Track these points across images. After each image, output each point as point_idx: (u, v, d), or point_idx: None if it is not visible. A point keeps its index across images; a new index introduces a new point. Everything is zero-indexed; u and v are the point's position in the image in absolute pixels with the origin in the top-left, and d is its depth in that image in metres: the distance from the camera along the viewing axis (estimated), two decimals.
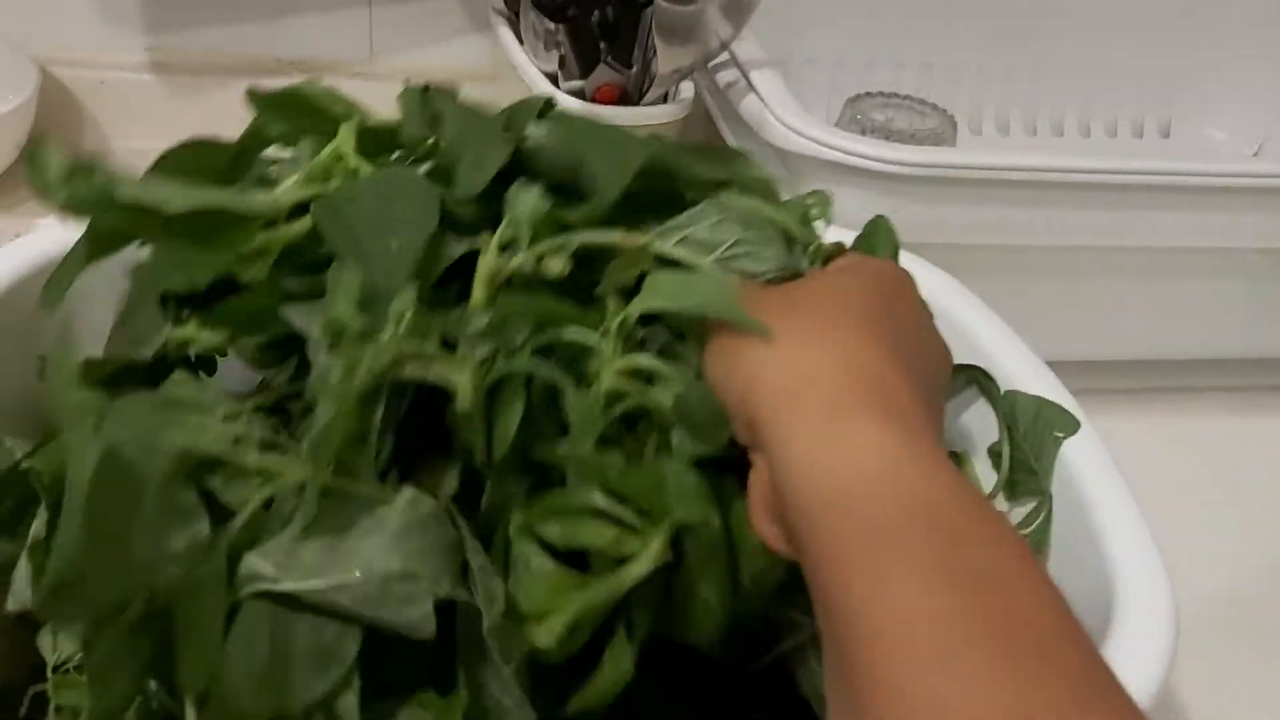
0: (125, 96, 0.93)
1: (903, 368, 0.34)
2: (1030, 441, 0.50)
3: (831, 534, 0.30)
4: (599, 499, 0.35)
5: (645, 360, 0.37)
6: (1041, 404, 0.51)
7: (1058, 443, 0.49)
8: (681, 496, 0.35)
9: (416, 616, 0.33)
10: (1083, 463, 0.49)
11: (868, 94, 0.86)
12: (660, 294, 0.37)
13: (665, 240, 0.39)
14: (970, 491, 0.31)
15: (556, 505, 0.36)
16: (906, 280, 0.42)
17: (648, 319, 0.38)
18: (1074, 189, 0.70)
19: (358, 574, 0.33)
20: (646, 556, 0.34)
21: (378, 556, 0.33)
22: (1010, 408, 0.52)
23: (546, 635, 0.34)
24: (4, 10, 0.88)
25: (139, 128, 0.93)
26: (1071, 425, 0.50)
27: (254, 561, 0.33)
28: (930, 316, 0.42)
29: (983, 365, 0.56)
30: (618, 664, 0.35)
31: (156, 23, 0.92)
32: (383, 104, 0.44)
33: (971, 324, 0.57)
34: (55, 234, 0.52)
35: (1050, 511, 0.49)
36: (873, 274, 0.40)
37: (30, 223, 0.84)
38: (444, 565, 0.34)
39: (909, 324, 0.39)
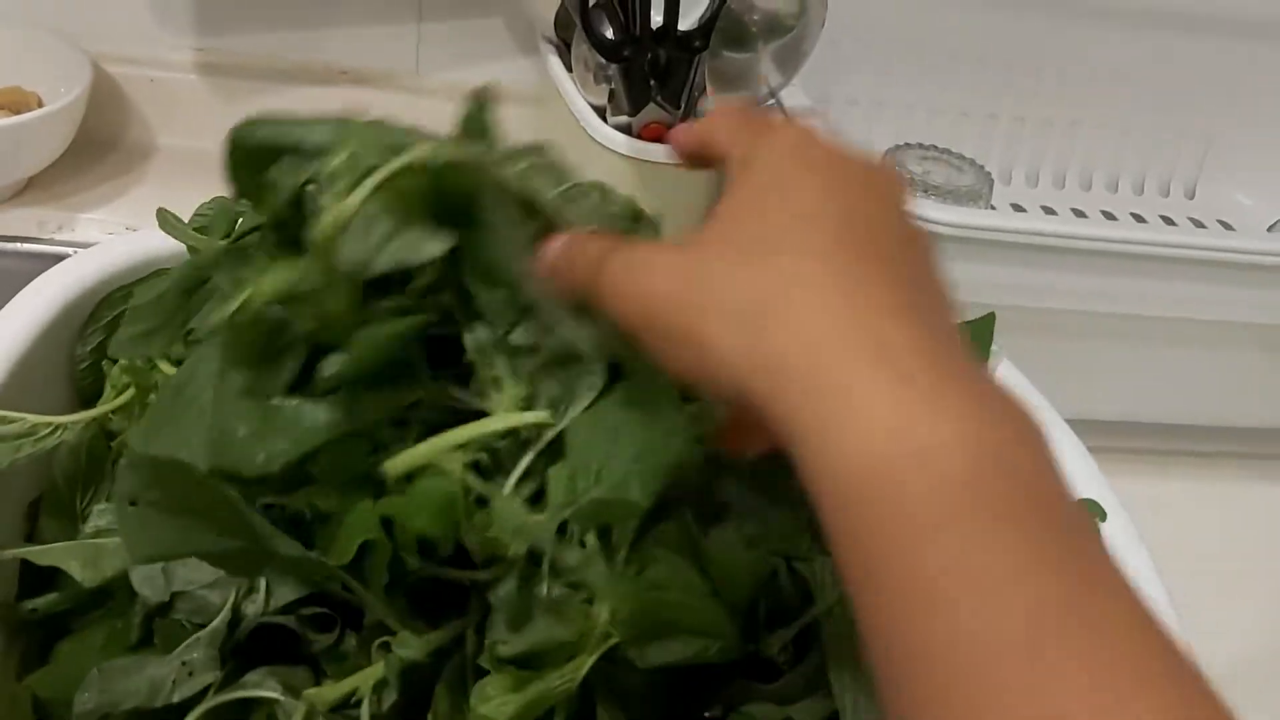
0: (173, 96, 0.94)
1: (893, 307, 0.29)
2: None
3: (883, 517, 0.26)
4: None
5: None
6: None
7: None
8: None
9: None
10: (1108, 533, 0.51)
11: (906, 145, 0.88)
12: None
13: None
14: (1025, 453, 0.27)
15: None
16: (816, 145, 0.34)
17: None
18: (1106, 257, 0.72)
19: None
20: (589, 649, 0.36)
21: None
22: None
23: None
24: (61, 5, 0.90)
25: (185, 127, 0.95)
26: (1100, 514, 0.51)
27: None
28: (865, 168, 0.34)
29: None
30: None
31: (208, 24, 0.94)
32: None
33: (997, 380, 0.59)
34: (116, 250, 0.53)
35: None
36: (784, 169, 0.33)
37: (73, 216, 0.86)
38: None
39: (863, 215, 0.31)
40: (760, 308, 0.29)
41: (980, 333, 0.59)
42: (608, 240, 0.34)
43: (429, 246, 0.34)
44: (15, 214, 0.84)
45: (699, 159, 0.38)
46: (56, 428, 0.46)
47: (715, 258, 0.31)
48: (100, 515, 0.46)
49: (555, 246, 0.35)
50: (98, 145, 0.92)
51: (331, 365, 0.35)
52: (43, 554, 0.44)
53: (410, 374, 0.38)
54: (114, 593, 0.44)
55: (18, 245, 0.82)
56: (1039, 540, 0.25)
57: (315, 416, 0.35)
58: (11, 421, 0.45)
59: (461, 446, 0.36)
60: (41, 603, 0.44)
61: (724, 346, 0.29)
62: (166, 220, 0.52)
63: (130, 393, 0.48)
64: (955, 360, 0.28)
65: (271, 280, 0.34)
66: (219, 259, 0.45)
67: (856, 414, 0.26)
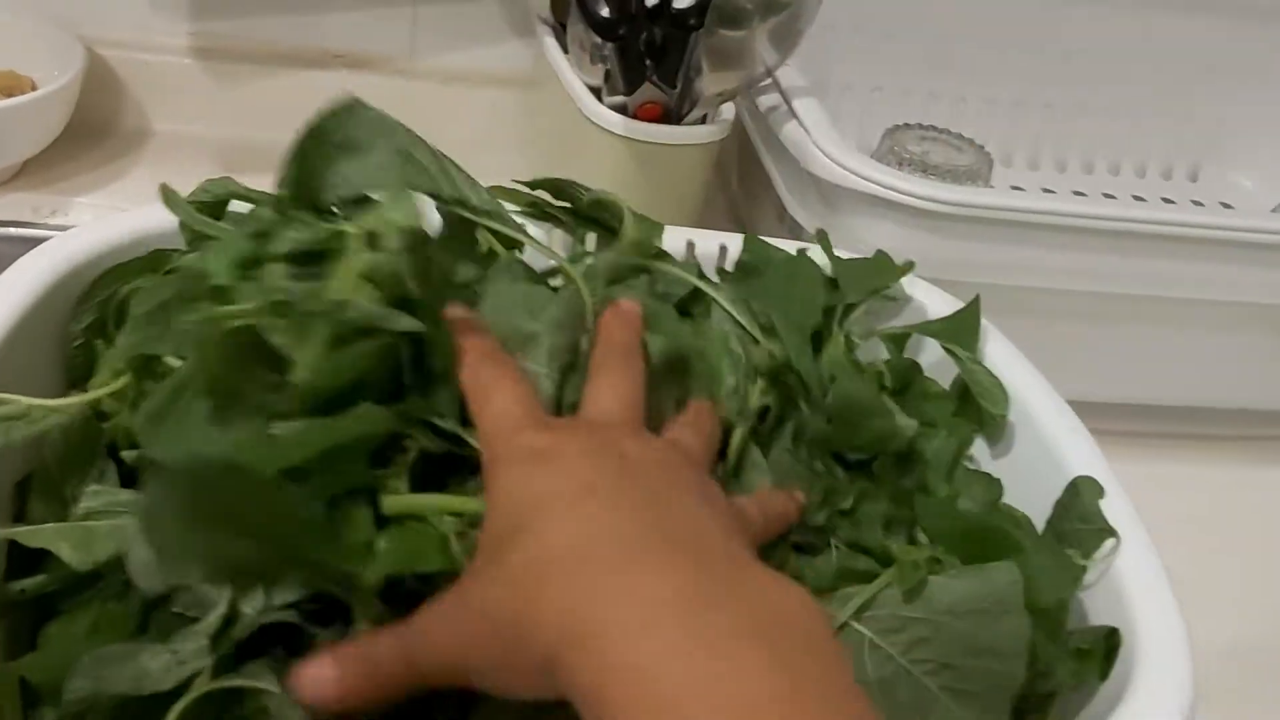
0: (168, 80, 0.93)
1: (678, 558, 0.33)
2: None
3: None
4: None
5: None
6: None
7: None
8: None
9: None
10: (1107, 512, 0.50)
11: (905, 125, 0.87)
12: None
13: None
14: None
15: None
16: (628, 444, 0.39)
17: None
18: (1105, 236, 0.71)
19: None
20: None
21: None
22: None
23: None
24: None
25: (180, 111, 0.94)
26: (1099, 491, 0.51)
27: None
28: (684, 468, 0.39)
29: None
30: None
31: (202, 8, 0.93)
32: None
33: (997, 361, 0.58)
34: (105, 228, 0.53)
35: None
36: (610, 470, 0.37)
37: (67, 200, 0.85)
38: None
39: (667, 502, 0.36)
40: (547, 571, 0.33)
41: (967, 319, 0.59)
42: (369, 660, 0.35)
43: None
44: (9, 198, 0.84)
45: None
46: (50, 411, 0.45)
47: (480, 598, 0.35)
48: (93, 497, 0.45)
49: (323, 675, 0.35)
50: (92, 129, 0.92)
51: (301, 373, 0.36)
52: (32, 535, 0.43)
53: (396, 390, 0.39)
54: (104, 576, 0.44)
55: (11, 230, 0.82)
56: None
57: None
58: (5, 403, 0.45)
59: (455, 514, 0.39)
60: (30, 584, 0.44)
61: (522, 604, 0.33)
62: (172, 199, 0.52)
63: (127, 378, 0.47)
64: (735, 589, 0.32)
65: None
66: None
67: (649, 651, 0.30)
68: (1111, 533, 0.50)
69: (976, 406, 0.57)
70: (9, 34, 0.88)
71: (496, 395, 0.40)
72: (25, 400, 0.45)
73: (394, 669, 0.35)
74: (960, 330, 0.59)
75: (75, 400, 0.46)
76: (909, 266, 0.60)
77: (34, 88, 0.86)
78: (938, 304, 0.61)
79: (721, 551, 0.35)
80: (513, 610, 0.33)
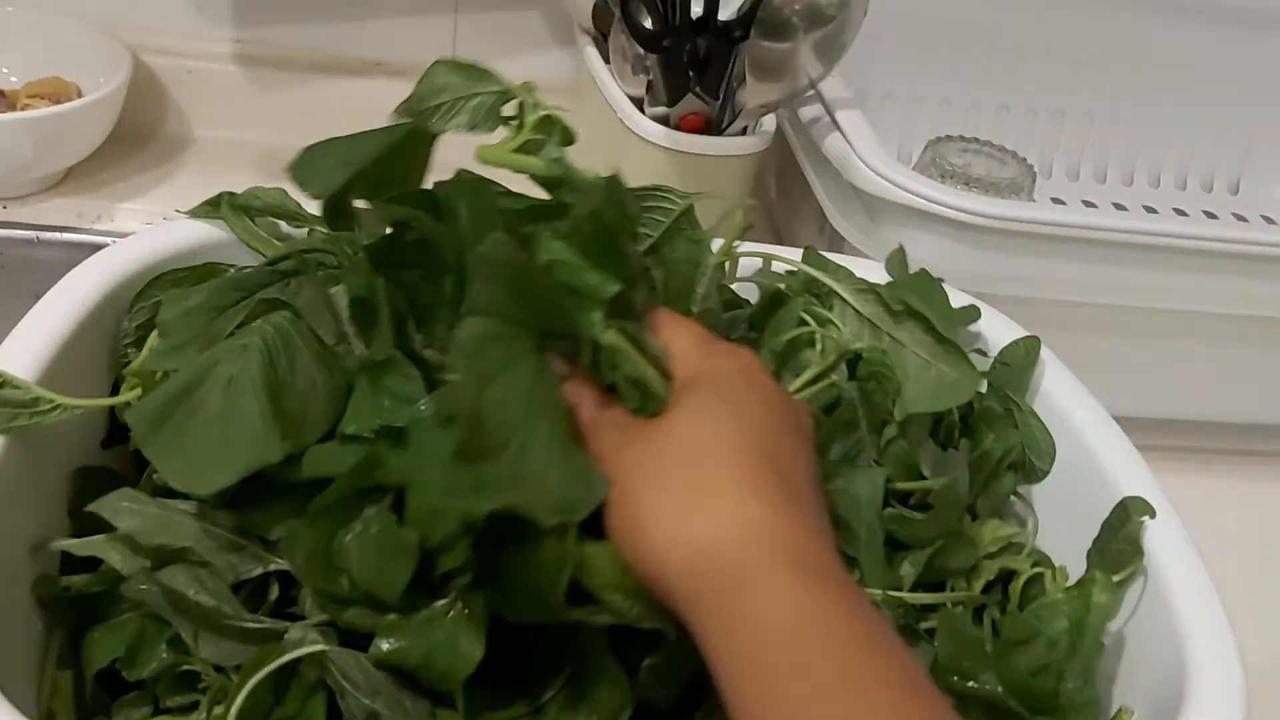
0: (211, 86, 0.94)
1: (793, 511, 0.35)
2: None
3: (765, 692, 0.32)
4: None
5: None
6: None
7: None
8: None
9: None
10: (1160, 538, 0.50)
11: (947, 137, 0.87)
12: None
13: None
14: (878, 627, 0.34)
15: None
16: (755, 377, 0.40)
17: None
18: (1147, 250, 0.71)
19: None
20: None
21: None
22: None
23: None
24: None
25: (222, 118, 0.95)
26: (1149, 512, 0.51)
27: None
28: (786, 404, 0.41)
29: (1057, 427, 0.57)
30: None
31: (245, 16, 0.94)
32: None
33: (1050, 386, 0.58)
34: (145, 242, 0.54)
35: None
36: (726, 394, 0.39)
37: (112, 206, 0.86)
38: None
39: (778, 443, 0.38)
40: (694, 509, 0.35)
41: (1028, 351, 0.59)
42: (603, 398, 0.40)
43: None
44: (55, 204, 0.85)
45: None
46: (57, 405, 0.46)
47: (667, 460, 0.37)
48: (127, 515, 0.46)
49: (588, 417, 0.39)
50: (136, 136, 0.93)
51: None
52: (83, 546, 0.44)
53: None
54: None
55: (58, 234, 0.83)
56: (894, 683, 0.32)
57: None
58: (17, 387, 0.45)
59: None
60: (77, 581, 0.44)
61: (659, 533, 0.35)
62: (233, 208, 0.53)
63: (137, 392, 0.48)
64: (832, 554, 0.36)
65: None
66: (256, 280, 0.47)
67: (769, 597, 0.33)
68: (1140, 553, 0.50)
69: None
70: (55, 41, 0.89)
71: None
72: (36, 389, 0.45)
73: (585, 422, 0.39)
74: (1017, 376, 0.59)
75: (85, 402, 0.46)
76: (974, 314, 0.60)
77: (79, 94, 0.87)
78: (997, 329, 0.61)
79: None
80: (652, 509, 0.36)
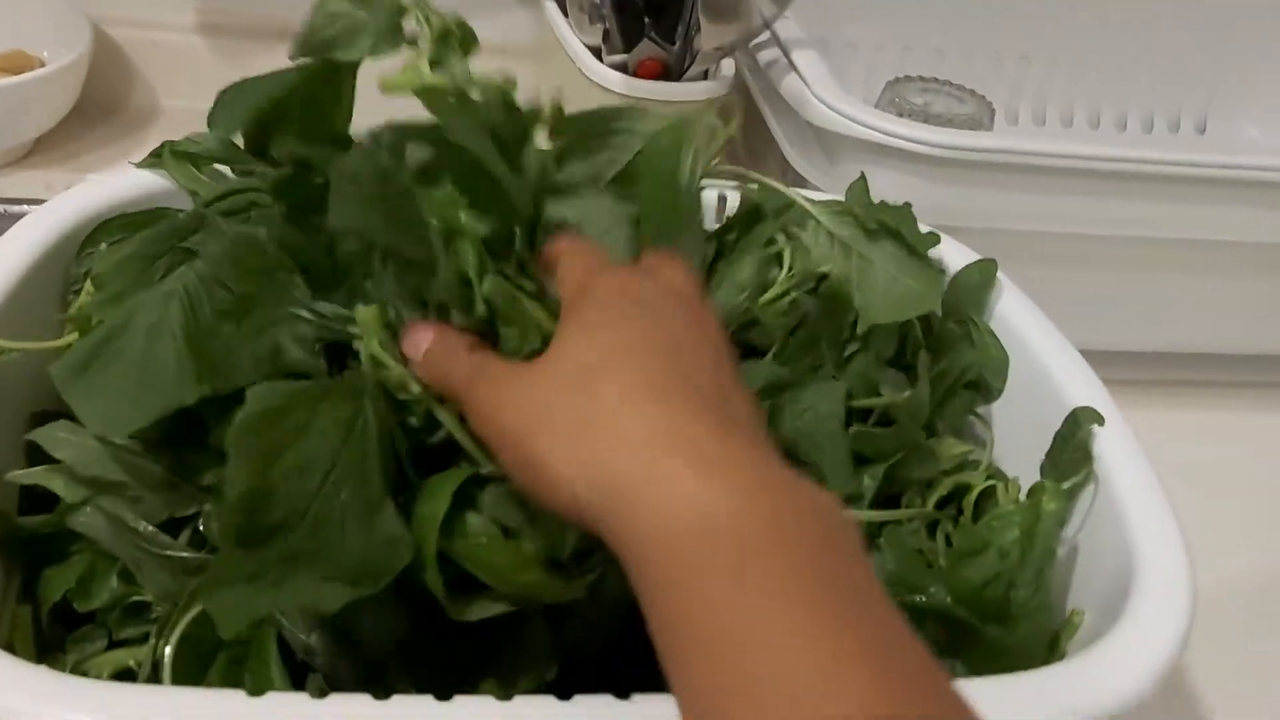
0: (175, 57, 0.94)
1: (696, 408, 0.34)
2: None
3: (679, 585, 0.31)
4: None
5: None
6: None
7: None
8: None
9: None
10: (1110, 447, 0.50)
11: (906, 78, 0.87)
12: None
13: None
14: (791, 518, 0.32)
15: None
16: (658, 290, 0.39)
17: None
18: (1106, 178, 0.71)
19: None
20: None
21: None
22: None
23: None
24: None
25: (188, 88, 0.94)
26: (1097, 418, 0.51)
27: None
28: (698, 319, 0.39)
29: (1013, 349, 0.57)
30: None
31: None
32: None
33: (1005, 309, 0.58)
34: (96, 190, 0.54)
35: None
36: (608, 307, 0.38)
37: (79, 177, 0.86)
38: None
39: (679, 351, 0.37)
40: (588, 427, 0.34)
41: (983, 274, 0.59)
42: (477, 356, 0.38)
43: None
44: (22, 175, 0.85)
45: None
46: (3, 350, 0.46)
47: (552, 390, 0.36)
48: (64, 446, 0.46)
49: (429, 341, 0.39)
50: (102, 108, 0.93)
51: None
52: (27, 475, 0.44)
53: None
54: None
55: (24, 207, 0.82)
56: (817, 588, 0.30)
57: None
58: None
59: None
60: (31, 522, 0.45)
61: (557, 463, 0.34)
62: (175, 155, 0.53)
63: (74, 336, 0.48)
64: (752, 453, 0.33)
65: None
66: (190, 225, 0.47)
67: (668, 494, 0.31)
68: (1089, 459, 0.50)
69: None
70: (17, 13, 0.89)
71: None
72: None
73: (459, 383, 0.38)
74: (973, 296, 0.59)
75: (21, 345, 0.47)
76: (935, 239, 0.60)
77: (43, 66, 0.87)
78: (955, 258, 0.61)
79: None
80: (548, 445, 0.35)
